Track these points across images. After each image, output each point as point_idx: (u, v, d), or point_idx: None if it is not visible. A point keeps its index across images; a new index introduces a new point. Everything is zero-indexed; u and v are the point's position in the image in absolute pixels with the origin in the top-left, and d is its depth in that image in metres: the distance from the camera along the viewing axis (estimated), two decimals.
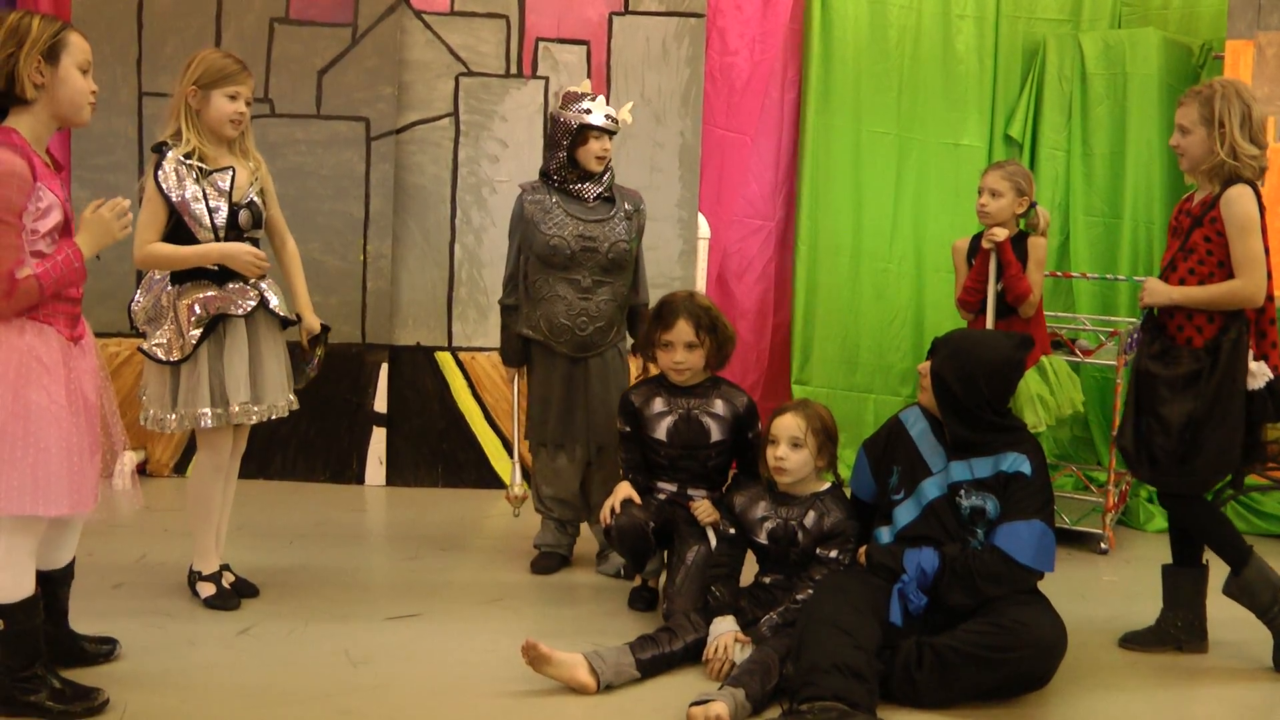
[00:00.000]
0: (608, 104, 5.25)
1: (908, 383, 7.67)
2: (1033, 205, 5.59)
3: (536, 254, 5.26)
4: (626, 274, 5.34)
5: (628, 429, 4.95)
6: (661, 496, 4.90)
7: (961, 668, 3.90)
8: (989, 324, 5.57)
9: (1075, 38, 7.63)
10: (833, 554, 4.33)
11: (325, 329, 4.93)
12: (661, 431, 4.85)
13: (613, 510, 4.76)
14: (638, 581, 4.99)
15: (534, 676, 3.96)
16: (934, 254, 7.71)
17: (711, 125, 7.31)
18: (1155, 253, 7.50)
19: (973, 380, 4.21)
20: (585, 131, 5.18)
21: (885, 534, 4.34)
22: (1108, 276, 7.31)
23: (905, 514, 4.30)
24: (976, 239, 5.66)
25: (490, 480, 7.00)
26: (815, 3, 7.51)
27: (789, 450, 4.37)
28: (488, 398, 7.01)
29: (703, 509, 4.75)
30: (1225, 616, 4.66)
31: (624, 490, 4.82)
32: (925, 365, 4.38)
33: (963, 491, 4.22)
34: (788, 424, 4.39)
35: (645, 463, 4.96)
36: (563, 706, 3.86)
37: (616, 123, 5.25)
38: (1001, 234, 5.49)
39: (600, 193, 5.28)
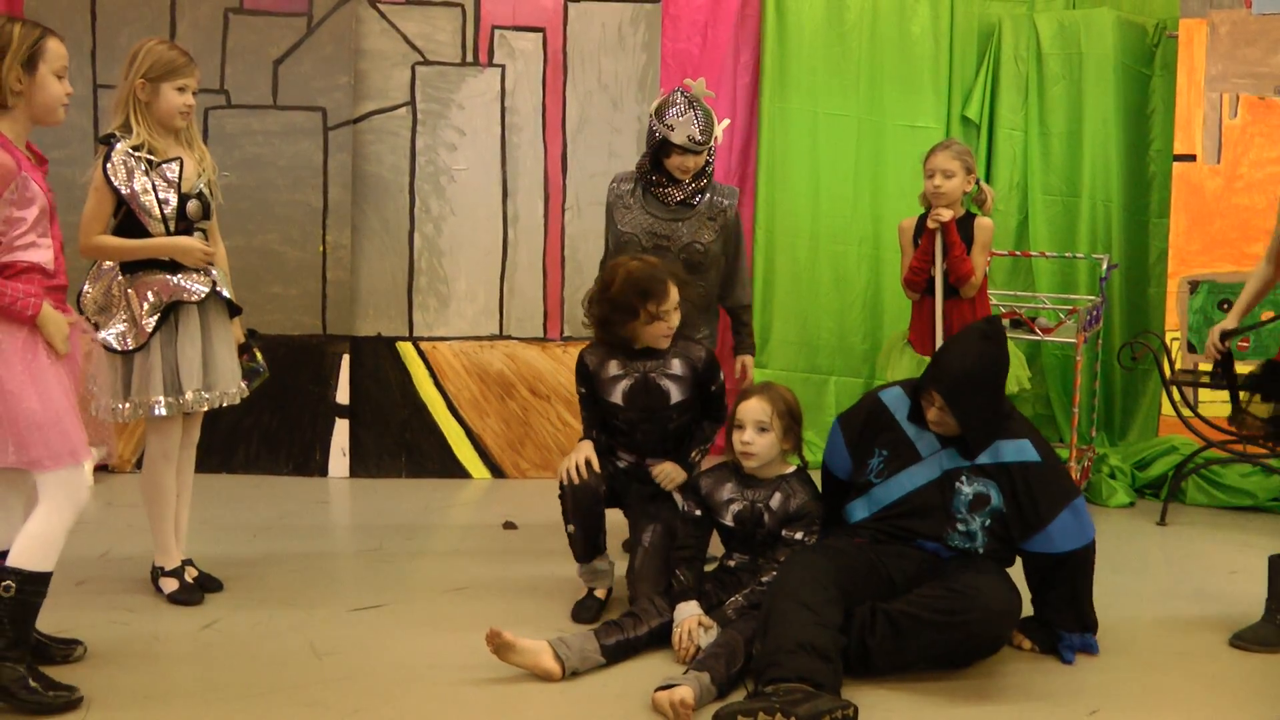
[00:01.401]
0: (696, 119, 5.07)
1: (868, 364, 7.70)
2: (977, 183, 5.61)
3: (613, 244, 5.25)
4: (707, 274, 5.22)
5: (584, 390, 4.81)
6: (621, 464, 4.82)
7: (913, 632, 3.93)
8: (937, 305, 5.56)
9: (1030, 18, 7.67)
10: (798, 535, 4.34)
11: (251, 333, 4.94)
12: (618, 395, 4.70)
13: (570, 471, 4.59)
14: (583, 592, 4.73)
15: (499, 665, 3.96)
16: (892, 236, 7.71)
17: None
18: (1114, 230, 7.55)
19: (986, 394, 4.19)
20: (670, 146, 5.09)
21: (861, 509, 4.35)
22: (1066, 255, 7.36)
23: (888, 493, 4.31)
24: (922, 219, 5.66)
25: (454, 470, 6.99)
26: None
27: (755, 435, 4.35)
28: (450, 387, 7.00)
29: (666, 473, 4.71)
30: None
31: (584, 450, 4.64)
32: (931, 404, 4.24)
33: (963, 478, 4.21)
34: (752, 408, 4.38)
35: (605, 425, 4.83)
36: (528, 694, 3.86)
37: (700, 144, 5.06)
38: (947, 214, 5.48)
39: (683, 199, 5.18)
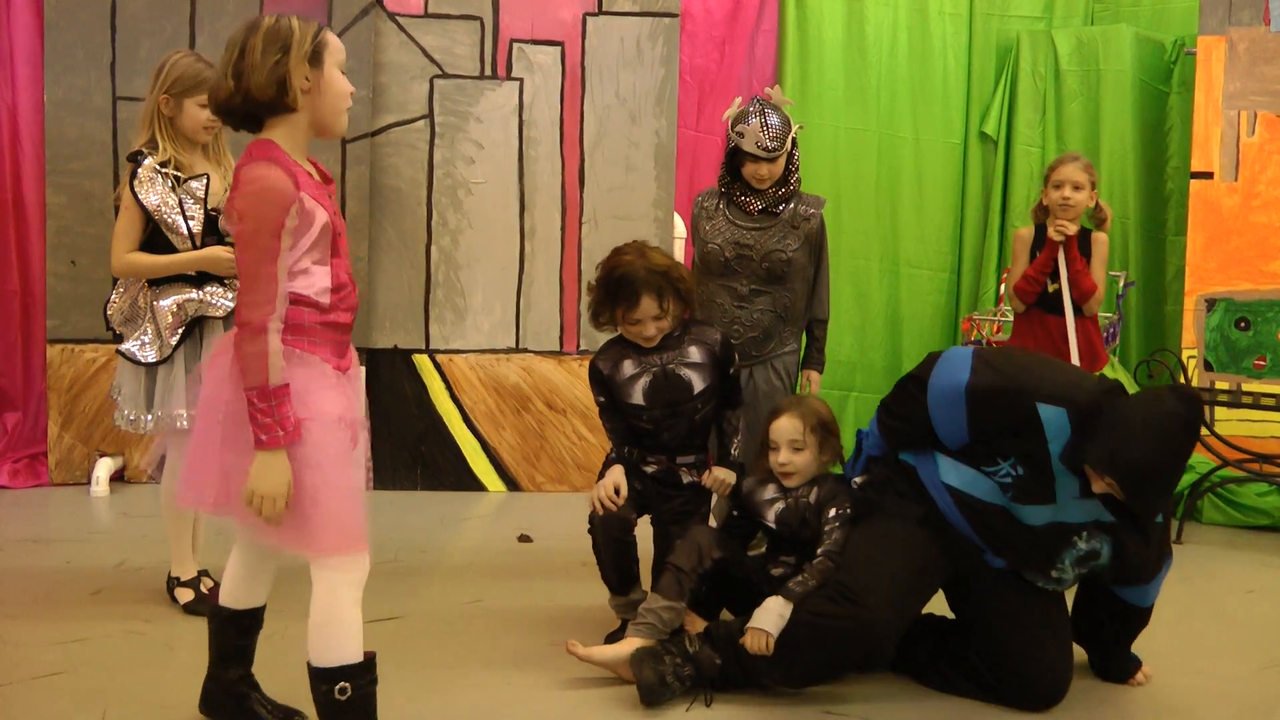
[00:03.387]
0: (766, 125, 5.04)
1: (889, 379, 7.69)
2: (1096, 200, 5.56)
3: (698, 258, 5.23)
4: (790, 285, 5.18)
5: (602, 399, 4.57)
6: (649, 470, 4.59)
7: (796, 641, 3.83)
8: (1069, 323, 5.47)
9: (1048, 34, 7.68)
10: (832, 513, 4.16)
11: None
12: (638, 395, 4.47)
13: (600, 501, 4.40)
14: (617, 624, 4.50)
15: (514, 680, 3.96)
16: (911, 250, 7.75)
17: (684, 126, 7.33)
18: (1131, 247, 7.55)
19: (1171, 482, 3.72)
20: (742, 154, 5.09)
21: (953, 473, 3.92)
22: None
23: (988, 490, 3.85)
24: (1040, 230, 5.56)
25: (469, 483, 6.99)
26: (790, 2, 7.53)
27: (791, 454, 4.23)
28: (465, 400, 7.01)
29: (719, 479, 4.50)
30: None
31: (614, 476, 4.44)
32: (1100, 480, 3.62)
33: (1083, 534, 3.83)
34: (784, 428, 4.25)
35: (629, 430, 4.57)
36: (544, 707, 3.86)
37: (770, 150, 5.03)
38: (1072, 228, 5.41)
39: (765, 207, 5.16)
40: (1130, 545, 3.86)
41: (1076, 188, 5.43)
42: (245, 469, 3.04)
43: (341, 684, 3.21)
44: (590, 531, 4.47)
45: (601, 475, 4.53)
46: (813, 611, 3.82)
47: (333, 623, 3.25)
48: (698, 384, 4.49)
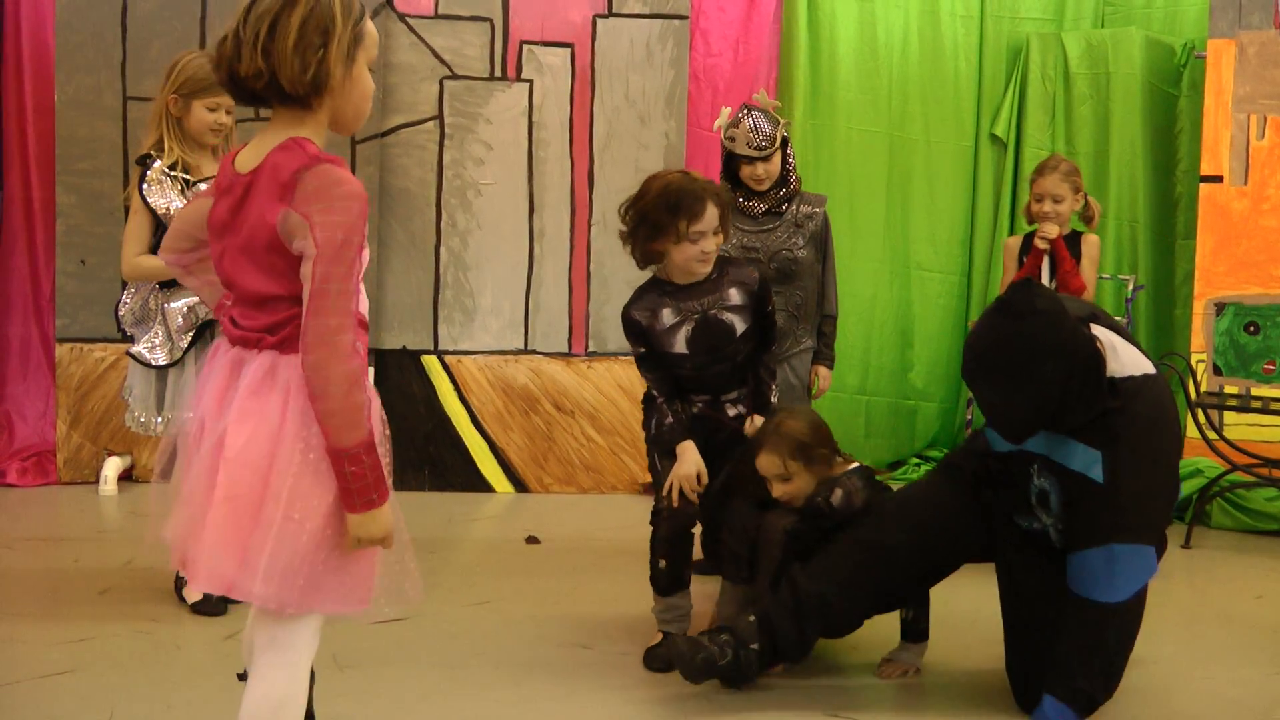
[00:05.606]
0: (755, 126, 5.06)
1: (896, 382, 7.70)
2: (1085, 199, 5.56)
3: None
4: (801, 283, 5.20)
5: (642, 350, 4.32)
6: (695, 409, 4.39)
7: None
8: None
9: (1058, 37, 7.67)
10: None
11: None
12: (680, 344, 4.26)
13: (676, 490, 4.19)
14: (658, 638, 4.28)
15: (522, 681, 3.96)
16: (921, 253, 7.74)
17: (695, 127, 7.32)
18: (1140, 251, 7.54)
19: (1008, 377, 3.58)
20: (737, 158, 5.13)
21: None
22: None
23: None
24: (1028, 237, 5.57)
25: (477, 484, 6.99)
26: (800, 2, 7.53)
27: (783, 486, 4.15)
28: (474, 401, 7.01)
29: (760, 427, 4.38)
30: None
31: (692, 459, 4.20)
32: None
33: (1036, 467, 3.78)
34: (765, 466, 4.15)
35: (672, 376, 4.34)
36: (551, 708, 3.86)
37: (761, 148, 5.05)
38: (1054, 231, 5.41)
39: (770, 208, 5.19)
40: (1079, 496, 3.66)
41: (1057, 200, 5.44)
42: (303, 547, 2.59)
43: None
44: (654, 522, 4.30)
45: (661, 446, 4.32)
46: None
47: (289, 705, 2.72)
48: (739, 326, 4.30)
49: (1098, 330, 3.73)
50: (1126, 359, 3.74)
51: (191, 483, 2.66)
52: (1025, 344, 3.51)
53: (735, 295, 4.29)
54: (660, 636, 4.25)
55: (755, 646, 3.89)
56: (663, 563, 4.25)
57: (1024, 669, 3.89)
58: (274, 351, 2.62)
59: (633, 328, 4.30)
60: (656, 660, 4.17)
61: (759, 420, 4.36)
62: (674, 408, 4.31)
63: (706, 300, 4.28)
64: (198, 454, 2.67)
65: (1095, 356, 3.60)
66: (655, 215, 4.12)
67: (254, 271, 2.63)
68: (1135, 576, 3.62)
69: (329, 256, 2.50)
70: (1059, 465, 3.70)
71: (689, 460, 4.20)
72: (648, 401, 4.42)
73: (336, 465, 2.55)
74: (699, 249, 4.14)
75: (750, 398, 4.43)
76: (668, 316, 4.27)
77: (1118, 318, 6.85)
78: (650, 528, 4.31)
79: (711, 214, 4.11)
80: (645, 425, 4.42)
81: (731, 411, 4.40)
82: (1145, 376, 3.74)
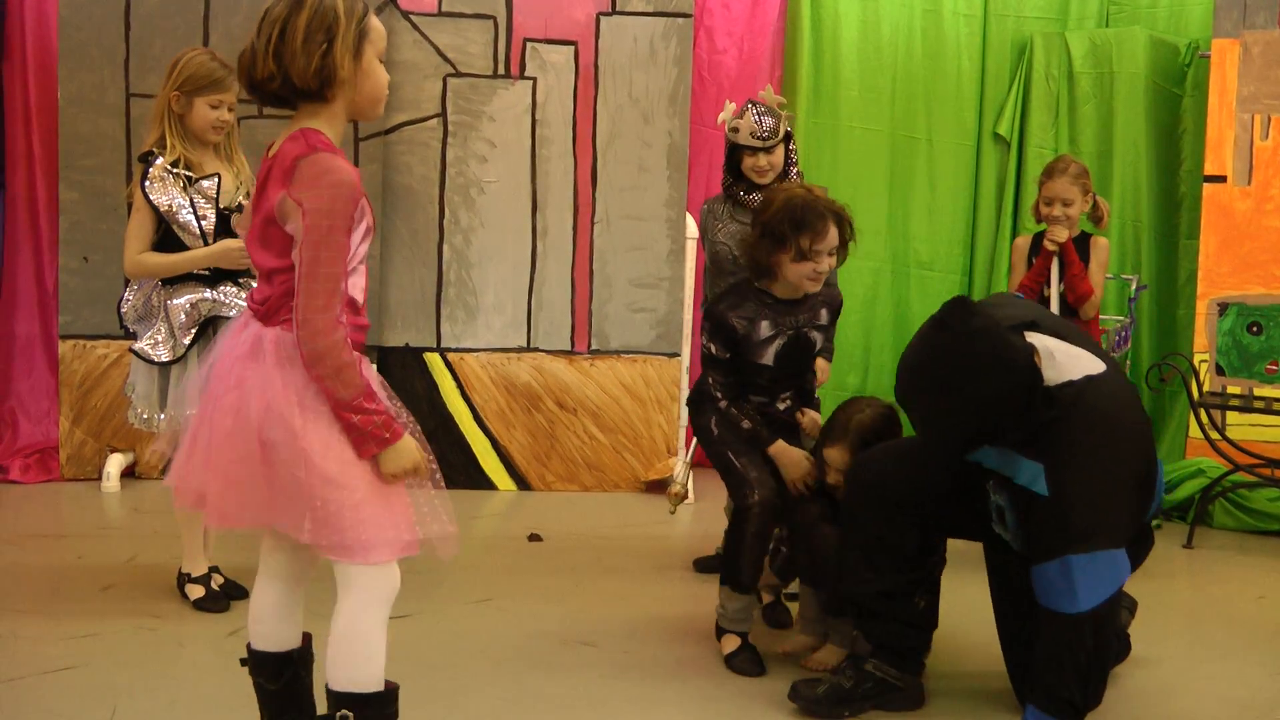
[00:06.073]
0: (759, 118, 5.06)
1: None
2: (1094, 200, 5.54)
3: (709, 260, 5.28)
4: None
5: (727, 355, 4.27)
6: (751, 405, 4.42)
7: None
8: None
9: (1062, 36, 7.66)
10: None
11: None
12: (769, 356, 4.28)
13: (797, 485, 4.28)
14: (736, 643, 4.26)
15: (524, 679, 3.96)
16: (922, 251, 7.74)
17: (699, 124, 7.32)
18: (1143, 251, 7.54)
19: (933, 394, 3.56)
20: (740, 150, 5.14)
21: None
22: None
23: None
24: (1038, 237, 5.56)
25: (479, 481, 6.99)
26: (806, 2, 7.53)
27: (838, 475, 4.18)
28: (476, 399, 7.01)
29: (815, 421, 4.43)
30: None
31: (803, 460, 4.28)
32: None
33: (993, 483, 3.76)
34: (836, 459, 4.17)
35: (738, 384, 4.35)
36: (555, 705, 3.86)
37: (764, 138, 5.06)
38: (1063, 234, 5.39)
39: None
40: (1030, 510, 3.58)
41: (1066, 204, 5.40)
42: (304, 482, 2.84)
43: (347, 712, 2.95)
44: (740, 514, 4.24)
45: (740, 447, 4.31)
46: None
47: (353, 641, 2.99)
48: (819, 343, 4.42)
49: (1035, 338, 3.61)
50: (1066, 364, 3.62)
51: (211, 430, 2.97)
52: (958, 361, 3.46)
53: (824, 315, 4.39)
54: (738, 641, 4.25)
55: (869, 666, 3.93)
56: (750, 555, 4.20)
57: (1021, 663, 3.90)
58: (281, 326, 2.88)
59: (727, 332, 4.27)
60: (753, 666, 4.19)
61: (813, 414, 4.45)
62: (744, 410, 4.33)
63: (802, 318, 4.32)
64: (216, 407, 2.97)
65: (1030, 370, 3.48)
66: (778, 228, 4.12)
67: (260, 248, 2.92)
68: (1099, 584, 3.48)
69: (315, 240, 2.76)
70: (1009, 480, 3.65)
71: (796, 459, 4.28)
72: (704, 402, 4.42)
73: (344, 419, 2.82)
74: (813, 266, 4.15)
75: (795, 391, 4.49)
76: (765, 329, 4.28)
77: (1121, 318, 6.87)
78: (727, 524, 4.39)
79: (833, 234, 4.14)
80: (702, 426, 4.42)
81: (781, 405, 4.44)
82: (1088, 379, 3.61)
